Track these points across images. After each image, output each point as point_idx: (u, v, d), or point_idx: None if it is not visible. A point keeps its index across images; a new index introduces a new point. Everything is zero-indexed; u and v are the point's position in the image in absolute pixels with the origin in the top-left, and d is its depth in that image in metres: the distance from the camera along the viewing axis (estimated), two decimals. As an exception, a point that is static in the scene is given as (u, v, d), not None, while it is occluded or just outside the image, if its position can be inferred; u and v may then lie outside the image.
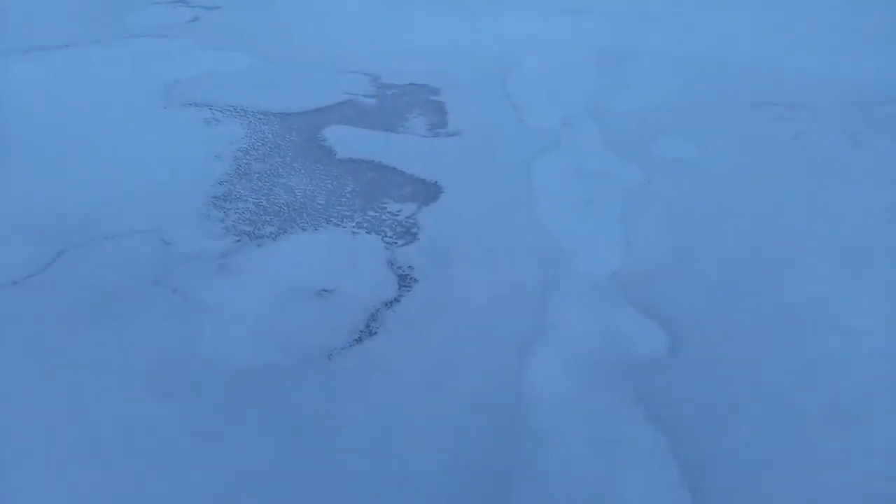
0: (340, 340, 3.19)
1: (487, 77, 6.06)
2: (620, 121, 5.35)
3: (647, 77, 6.19)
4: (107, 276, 3.51)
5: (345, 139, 4.92)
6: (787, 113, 5.52)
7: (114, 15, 7.30)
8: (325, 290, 3.48)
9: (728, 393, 2.98)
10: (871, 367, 3.14)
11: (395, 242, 3.86)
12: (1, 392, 2.87)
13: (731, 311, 3.42)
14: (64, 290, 3.42)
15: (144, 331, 3.19)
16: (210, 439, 2.71)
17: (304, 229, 3.95)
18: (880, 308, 3.49)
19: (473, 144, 4.95)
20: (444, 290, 3.53)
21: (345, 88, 5.71)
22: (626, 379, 3.03)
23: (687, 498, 2.55)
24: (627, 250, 3.85)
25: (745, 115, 5.50)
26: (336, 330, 3.25)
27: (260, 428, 2.76)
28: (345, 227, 3.97)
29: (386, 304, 3.41)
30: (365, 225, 4.00)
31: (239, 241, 3.82)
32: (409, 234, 3.94)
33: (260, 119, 5.16)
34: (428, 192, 4.34)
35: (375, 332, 3.24)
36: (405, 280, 3.58)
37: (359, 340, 3.20)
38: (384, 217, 4.07)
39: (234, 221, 3.98)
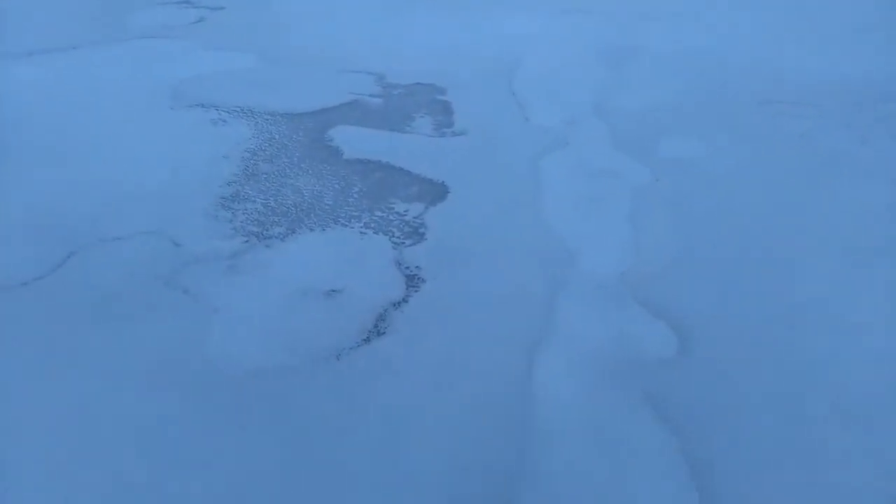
0: (349, 341, 3.21)
1: (492, 76, 6.06)
2: (626, 120, 5.35)
3: (650, 75, 6.19)
4: (116, 276, 3.53)
5: (351, 139, 4.93)
6: (791, 111, 5.51)
7: (121, 16, 7.33)
8: (334, 291, 3.49)
9: (736, 393, 2.98)
10: (880, 367, 3.13)
11: (403, 243, 3.87)
12: (12, 391, 2.89)
13: (740, 311, 3.42)
14: (73, 290, 3.44)
15: (153, 331, 3.21)
16: (219, 438, 2.72)
17: (312, 230, 3.96)
18: (887, 307, 3.48)
19: (480, 144, 4.96)
20: (451, 290, 3.54)
21: (351, 88, 5.72)
22: (634, 379, 3.03)
23: (695, 498, 2.56)
24: (635, 250, 3.85)
25: (751, 113, 5.49)
26: (344, 330, 3.26)
27: (268, 428, 2.77)
28: (352, 228, 3.99)
29: (394, 305, 3.42)
30: (372, 225, 4.01)
31: (247, 241, 3.84)
32: (416, 234, 3.95)
33: (267, 119, 5.18)
34: (435, 191, 4.35)
35: (383, 332, 3.26)
36: (413, 280, 3.59)
37: (367, 340, 3.21)
38: (391, 217, 4.08)
39: (242, 222, 4.00)
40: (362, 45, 6.70)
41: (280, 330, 3.25)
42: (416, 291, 3.52)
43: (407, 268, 3.68)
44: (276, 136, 4.95)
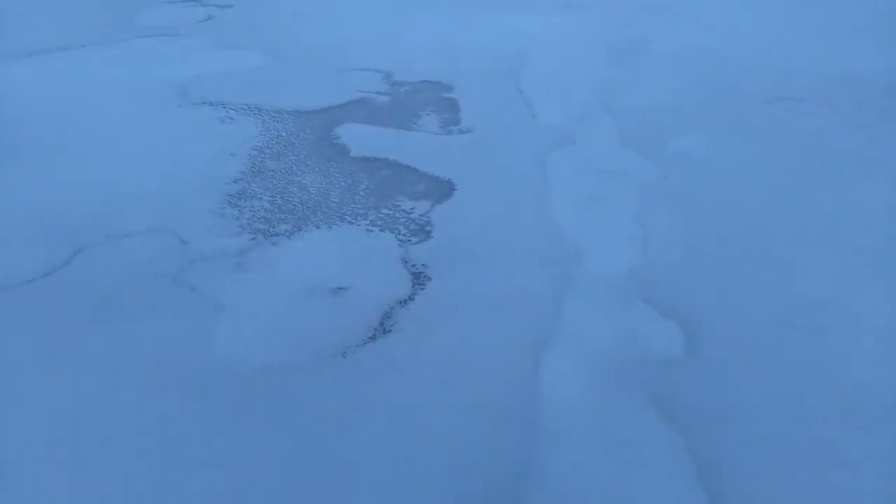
0: (355, 338, 3.20)
1: (498, 74, 6.05)
2: (633, 117, 5.32)
3: (655, 72, 6.16)
4: (122, 274, 3.54)
5: (358, 137, 4.93)
6: (798, 107, 5.47)
7: (129, 14, 7.36)
8: (340, 288, 3.49)
9: (743, 393, 2.96)
10: (887, 367, 3.11)
11: (409, 240, 3.87)
12: (20, 390, 2.91)
13: (747, 310, 3.40)
14: (78, 288, 3.45)
15: (160, 329, 3.21)
16: (224, 436, 2.72)
17: (318, 227, 3.96)
18: (898, 306, 3.46)
19: (487, 141, 4.95)
20: (457, 288, 3.53)
21: (358, 86, 5.72)
22: (641, 378, 3.02)
23: (702, 498, 2.54)
24: (643, 248, 3.83)
25: (758, 110, 5.45)
26: (350, 328, 3.26)
27: (274, 426, 2.77)
28: (359, 225, 3.98)
29: (400, 302, 3.42)
30: (379, 223, 4.00)
31: (254, 239, 3.84)
32: (422, 231, 3.94)
33: (274, 117, 5.18)
34: (441, 189, 4.34)
35: (390, 330, 3.25)
36: (419, 278, 3.59)
37: (373, 338, 3.21)
38: (398, 215, 4.08)
39: (249, 220, 4.00)
40: (369, 43, 6.70)
41: (286, 327, 3.25)
42: (422, 289, 3.51)
43: (413, 265, 3.67)
44: (283, 134, 4.96)
